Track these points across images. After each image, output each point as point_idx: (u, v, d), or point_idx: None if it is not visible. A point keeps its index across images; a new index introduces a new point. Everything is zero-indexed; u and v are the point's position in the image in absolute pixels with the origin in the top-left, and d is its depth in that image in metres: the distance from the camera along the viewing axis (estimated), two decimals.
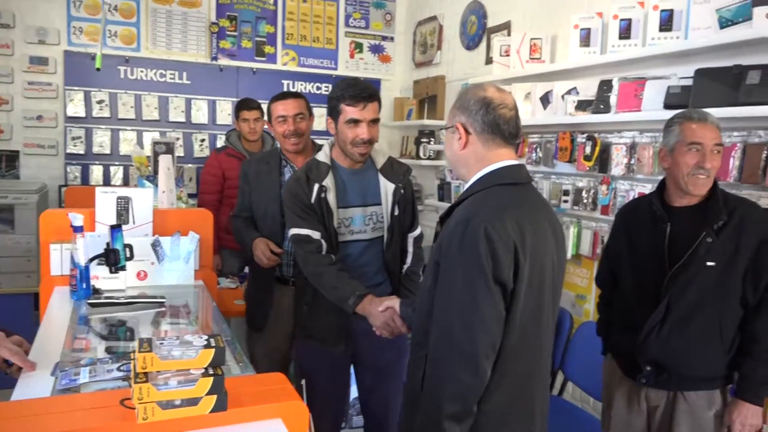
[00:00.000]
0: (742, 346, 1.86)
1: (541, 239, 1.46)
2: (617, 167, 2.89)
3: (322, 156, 2.21)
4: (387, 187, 2.23)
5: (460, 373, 1.39)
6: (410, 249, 2.35)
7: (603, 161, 2.99)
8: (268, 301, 2.62)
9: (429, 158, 4.63)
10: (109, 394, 1.22)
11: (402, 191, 2.25)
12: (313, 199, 2.11)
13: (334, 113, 2.15)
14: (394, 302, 1.96)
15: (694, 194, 1.90)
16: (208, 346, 1.15)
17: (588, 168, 3.05)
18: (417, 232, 2.38)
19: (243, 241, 2.63)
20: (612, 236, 2.22)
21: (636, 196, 2.81)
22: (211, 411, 1.13)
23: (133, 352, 1.18)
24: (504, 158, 1.51)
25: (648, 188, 2.74)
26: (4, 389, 1.36)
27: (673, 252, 1.91)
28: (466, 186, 1.55)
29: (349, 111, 2.10)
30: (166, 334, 1.92)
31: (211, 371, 1.13)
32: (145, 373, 1.10)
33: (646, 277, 1.98)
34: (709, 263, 1.84)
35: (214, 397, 1.13)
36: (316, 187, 2.11)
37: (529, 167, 3.55)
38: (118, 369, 1.33)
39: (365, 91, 2.11)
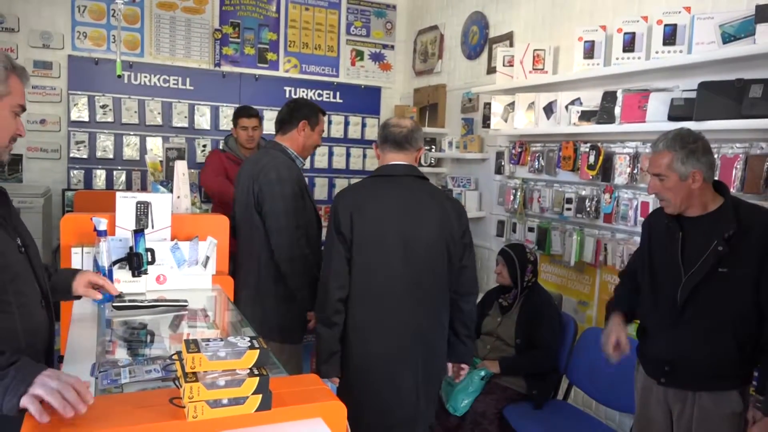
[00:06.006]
0: (759, 347, 1.92)
1: (384, 212, 2.18)
2: (620, 176, 2.97)
3: None
4: None
5: (320, 292, 2.23)
6: None
7: (606, 170, 3.06)
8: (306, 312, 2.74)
9: (430, 165, 4.69)
10: (155, 393, 1.26)
11: None
12: None
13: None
14: None
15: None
16: (252, 347, 1.19)
17: (591, 177, 3.12)
18: None
19: (314, 300, 2.40)
20: (640, 242, 2.31)
21: (638, 205, 2.90)
22: (257, 410, 1.17)
23: (179, 353, 1.22)
24: (390, 160, 2.26)
25: (651, 197, 2.82)
26: None
27: (687, 259, 1.99)
28: None
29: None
30: (188, 336, 1.95)
31: (256, 371, 1.18)
32: (194, 373, 1.14)
33: (662, 283, 2.07)
34: (721, 270, 1.92)
35: (260, 396, 1.17)
36: None
37: (530, 175, 3.64)
38: (163, 369, 1.37)
39: None
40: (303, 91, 5.13)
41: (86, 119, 4.47)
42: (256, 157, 2.77)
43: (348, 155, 5.33)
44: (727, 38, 2.46)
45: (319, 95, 5.18)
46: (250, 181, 2.63)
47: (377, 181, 2.27)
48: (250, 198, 2.61)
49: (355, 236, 2.16)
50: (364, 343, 2.20)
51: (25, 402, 1.09)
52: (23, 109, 1.49)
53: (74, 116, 4.44)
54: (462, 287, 2.30)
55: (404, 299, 2.19)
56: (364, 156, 5.39)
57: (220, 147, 4.13)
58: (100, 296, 1.82)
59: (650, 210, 2.74)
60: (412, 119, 2.43)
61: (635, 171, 2.91)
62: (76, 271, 1.83)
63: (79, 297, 1.81)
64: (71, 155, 4.46)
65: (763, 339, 1.90)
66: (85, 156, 4.49)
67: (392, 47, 5.46)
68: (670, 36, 2.71)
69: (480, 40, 4.33)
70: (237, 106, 4.82)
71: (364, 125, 5.36)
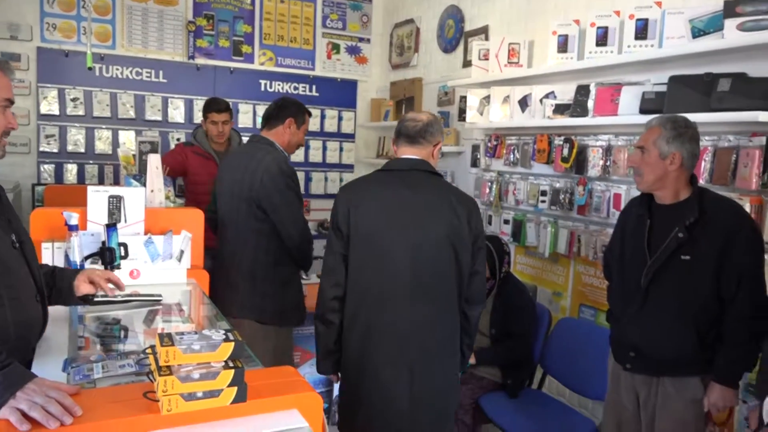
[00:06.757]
0: (718, 334, 1.97)
1: (383, 208, 2.06)
2: (594, 169, 3.01)
3: None
4: None
5: (319, 289, 2.14)
6: None
7: (580, 163, 3.10)
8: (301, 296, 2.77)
9: None
10: (129, 388, 1.25)
11: None
12: None
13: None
14: None
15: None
16: (227, 339, 1.19)
17: (565, 169, 3.16)
18: None
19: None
20: (613, 231, 2.35)
21: (611, 197, 2.94)
22: (232, 402, 1.17)
23: (152, 347, 1.21)
24: (403, 153, 2.14)
25: (623, 189, 2.87)
26: None
27: (653, 246, 2.04)
28: None
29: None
30: (162, 331, 1.94)
31: (231, 364, 1.17)
32: (168, 367, 1.13)
33: (629, 270, 2.11)
34: (683, 257, 1.96)
35: (235, 388, 1.17)
36: None
37: (506, 168, 3.67)
38: (137, 363, 1.36)
39: None
40: (279, 85, 5.10)
41: (56, 112, 4.39)
42: (248, 151, 2.73)
43: (324, 149, 5.31)
44: (697, 33, 2.51)
45: (295, 88, 5.15)
46: (247, 174, 2.58)
47: (383, 175, 2.15)
48: (244, 190, 2.58)
49: (352, 232, 2.06)
50: (358, 344, 2.08)
51: (5, 413, 1.08)
52: (11, 102, 1.47)
53: (44, 109, 4.35)
54: (471, 295, 2.13)
55: (403, 302, 2.04)
56: (341, 150, 5.38)
57: (186, 140, 4.05)
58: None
59: (623, 202, 2.79)
60: (431, 113, 2.31)
61: (608, 163, 2.96)
62: (76, 271, 1.79)
63: (85, 300, 1.77)
64: (41, 149, 4.38)
65: (722, 328, 1.95)
66: (55, 150, 4.41)
67: (368, 40, 5.45)
68: (642, 30, 2.75)
69: (456, 33, 4.35)
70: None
71: (340, 118, 5.35)
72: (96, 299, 1.92)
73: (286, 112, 2.73)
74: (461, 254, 2.05)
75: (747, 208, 2.22)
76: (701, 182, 2.45)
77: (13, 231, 1.49)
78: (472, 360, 2.94)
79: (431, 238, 2.03)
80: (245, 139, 3.05)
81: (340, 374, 2.20)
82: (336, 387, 3.35)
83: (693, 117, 2.39)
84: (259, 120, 4.99)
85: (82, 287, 1.73)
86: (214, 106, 3.70)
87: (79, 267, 1.95)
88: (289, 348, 2.81)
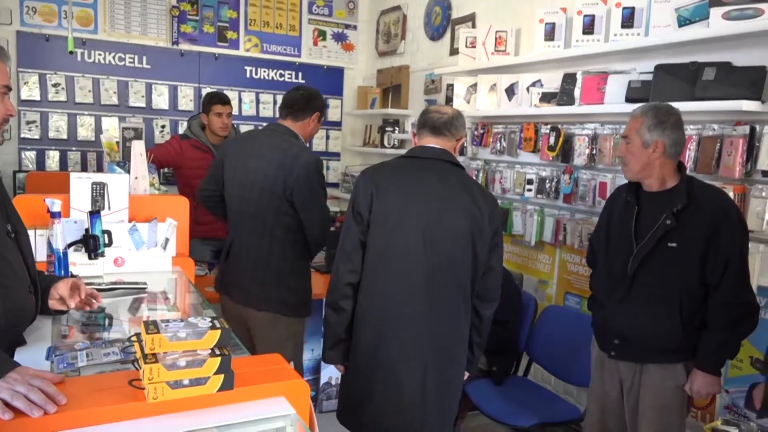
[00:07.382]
0: (702, 321, 1.99)
1: (406, 195, 2.01)
2: (579, 157, 3.02)
3: None
4: None
5: (331, 274, 2.09)
6: None
7: (566, 151, 3.11)
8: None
9: (393, 147, 4.68)
10: (114, 376, 1.24)
11: None
12: None
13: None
14: None
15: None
16: (213, 327, 1.18)
17: (551, 158, 3.17)
18: None
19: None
20: (599, 218, 2.35)
21: (597, 186, 2.96)
22: (218, 390, 1.16)
23: (138, 334, 1.20)
24: (426, 143, 2.10)
25: (609, 178, 2.89)
26: None
27: (640, 233, 2.05)
28: None
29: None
30: (148, 319, 1.92)
31: (217, 351, 1.16)
32: (154, 354, 1.12)
33: (616, 257, 2.12)
34: (670, 244, 1.98)
35: (221, 376, 1.16)
36: None
37: (492, 157, 3.67)
38: (122, 351, 1.34)
39: None
40: (264, 72, 5.05)
41: (37, 98, 4.31)
42: (272, 142, 2.59)
43: None
44: (683, 22, 2.52)
45: (281, 75, 5.11)
46: (281, 168, 2.47)
47: (406, 162, 2.11)
48: (278, 185, 2.48)
49: (372, 217, 2.00)
50: (372, 336, 2.03)
51: None
52: (9, 89, 1.45)
53: (24, 95, 4.27)
54: (485, 292, 2.10)
55: (419, 293, 2.00)
56: (327, 137, 5.36)
57: (181, 133, 4.00)
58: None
59: (608, 190, 2.81)
60: (454, 108, 2.25)
61: (594, 152, 2.97)
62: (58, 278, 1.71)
63: (59, 313, 1.69)
64: (22, 136, 4.30)
65: (706, 314, 1.97)
66: (36, 136, 4.34)
67: (355, 27, 5.41)
68: (628, 18, 2.76)
69: (443, 21, 4.33)
70: (196, 85, 4.76)
71: (327, 106, 5.31)
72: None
73: (313, 106, 2.67)
74: (479, 248, 2.02)
75: (730, 196, 2.24)
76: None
77: (9, 221, 1.47)
78: None
79: (455, 229, 1.99)
80: (242, 129, 3.00)
81: (346, 365, 2.13)
82: (324, 375, 3.38)
83: (678, 105, 2.39)
84: (244, 107, 4.95)
85: (61, 286, 1.64)
86: (218, 98, 3.67)
87: (62, 255, 1.92)
88: (302, 337, 2.82)
